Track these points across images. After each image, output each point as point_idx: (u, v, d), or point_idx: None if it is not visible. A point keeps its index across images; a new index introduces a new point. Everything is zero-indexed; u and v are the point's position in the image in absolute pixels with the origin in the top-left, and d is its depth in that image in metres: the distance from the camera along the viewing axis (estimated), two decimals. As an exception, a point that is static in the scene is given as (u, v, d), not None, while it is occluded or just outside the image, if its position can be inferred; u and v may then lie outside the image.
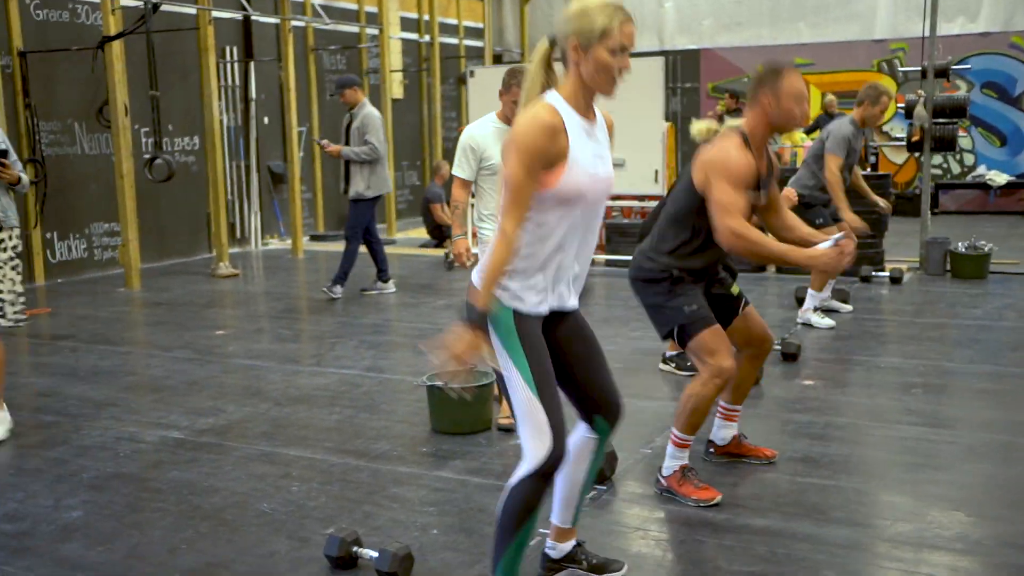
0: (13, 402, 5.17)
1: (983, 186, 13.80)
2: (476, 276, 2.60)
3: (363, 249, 8.19)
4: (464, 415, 4.51)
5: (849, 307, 7.19)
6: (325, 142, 8.36)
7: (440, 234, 11.10)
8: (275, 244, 11.93)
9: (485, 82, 9.77)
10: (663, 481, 3.75)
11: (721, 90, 14.67)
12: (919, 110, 8.61)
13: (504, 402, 4.72)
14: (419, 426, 4.66)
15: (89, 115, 9.47)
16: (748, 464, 4.06)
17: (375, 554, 3.06)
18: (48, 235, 9.31)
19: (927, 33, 8.74)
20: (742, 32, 15.24)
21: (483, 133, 4.60)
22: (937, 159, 14.19)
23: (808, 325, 6.67)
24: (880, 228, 8.66)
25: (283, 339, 6.76)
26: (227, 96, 11.33)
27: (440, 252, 10.54)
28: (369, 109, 7.98)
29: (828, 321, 6.66)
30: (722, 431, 4.12)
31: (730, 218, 3.39)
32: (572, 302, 2.70)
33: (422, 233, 11.97)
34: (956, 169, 14.27)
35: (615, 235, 9.56)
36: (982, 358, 5.72)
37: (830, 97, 13.44)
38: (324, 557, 3.15)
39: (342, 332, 6.88)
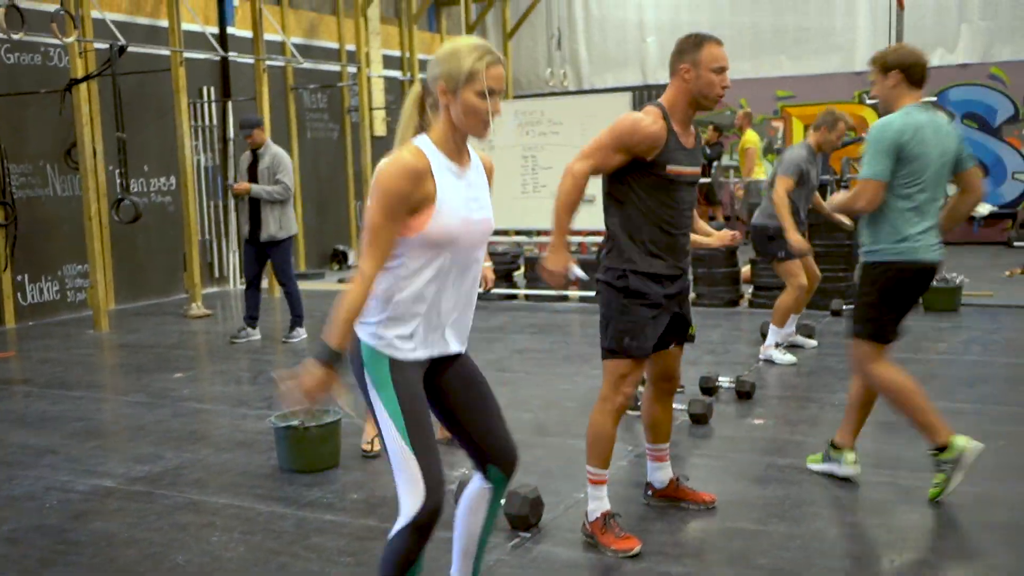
0: (-47, 450, 5.13)
1: (967, 217, 13.74)
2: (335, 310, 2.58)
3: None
4: (317, 453, 4.57)
5: (814, 342, 7.12)
6: (233, 183, 8.03)
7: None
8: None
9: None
10: (587, 527, 3.67)
11: (704, 123, 14.69)
12: (887, 143, 8.57)
13: (369, 426, 4.81)
14: (356, 471, 4.59)
15: (60, 157, 9.50)
16: (685, 509, 3.97)
17: (273, 610, 3.00)
18: (19, 278, 9.30)
19: (894, 66, 8.72)
20: (724, 65, 15.26)
21: None
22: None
23: (770, 361, 6.61)
24: (851, 261, 8.60)
25: (240, 381, 6.71)
26: (204, 136, 11.38)
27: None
28: (277, 148, 7.94)
29: (789, 357, 6.59)
30: (657, 473, 4.04)
31: (580, 159, 3.42)
32: (455, 347, 2.65)
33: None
34: (940, 199, 14.22)
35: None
36: (936, 394, 5.62)
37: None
38: (225, 613, 3.08)
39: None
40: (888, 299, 3.98)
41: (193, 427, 5.49)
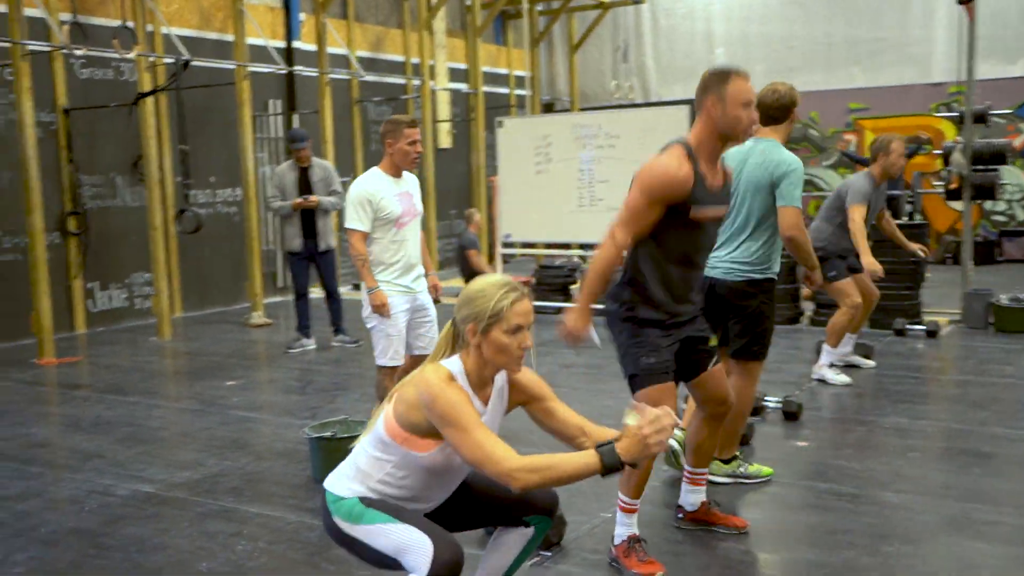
0: (7, 452, 5.30)
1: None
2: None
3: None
4: None
5: (872, 363, 6.90)
6: (307, 199, 7.91)
7: (476, 283, 11.08)
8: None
9: (514, 132, 9.81)
10: (613, 550, 3.61)
11: (773, 136, 14.44)
12: (956, 157, 8.32)
13: None
14: (388, 484, 4.59)
15: (130, 169, 9.79)
16: (715, 533, 3.87)
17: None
18: (89, 285, 9.59)
19: (964, 77, 8.45)
20: (795, 77, 14.93)
21: (377, 186, 4.85)
22: (1001, 205, 13.68)
23: (823, 381, 6.42)
24: (917, 278, 8.33)
25: (289, 390, 6.79)
26: (270, 148, 11.60)
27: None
28: (323, 161, 8.24)
29: (844, 378, 6.40)
30: (690, 496, 3.96)
31: (619, 225, 3.30)
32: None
33: (459, 282, 11.95)
34: (1021, 215, 13.71)
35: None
36: (995, 420, 5.41)
37: (886, 142, 13.07)
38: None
39: (349, 384, 6.88)
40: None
41: (237, 435, 5.56)
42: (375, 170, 4.94)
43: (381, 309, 4.77)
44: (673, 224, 3.35)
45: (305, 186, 7.95)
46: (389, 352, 4.81)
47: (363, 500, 2.62)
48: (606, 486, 4.34)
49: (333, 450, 4.56)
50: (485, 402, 2.64)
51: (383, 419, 2.63)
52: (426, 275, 5.04)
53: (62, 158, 9.26)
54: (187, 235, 9.53)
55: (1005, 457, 4.77)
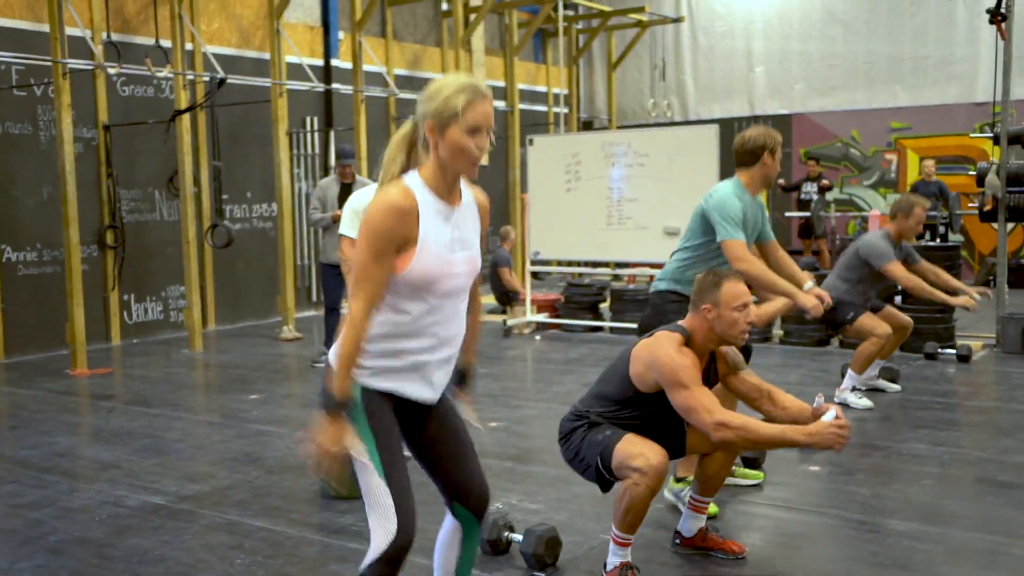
0: (29, 461, 5.42)
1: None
2: (333, 357, 2.58)
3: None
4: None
5: (897, 387, 6.77)
6: (321, 212, 8.01)
7: (507, 299, 11.11)
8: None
9: (544, 150, 9.85)
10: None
11: (812, 156, 14.29)
12: (991, 178, 8.17)
13: None
14: (393, 501, 4.61)
15: (166, 184, 10.01)
16: (713, 558, 3.83)
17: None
18: (125, 297, 9.79)
19: (999, 97, 8.30)
20: (835, 96, 14.86)
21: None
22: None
23: (845, 405, 6.31)
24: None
25: (309, 405, 6.84)
26: (306, 164, 11.76)
27: (501, 318, 10.52)
28: (367, 180, 8.21)
29: (865, 402, 6.29)
30: (689, 522, 3.92)
31: (708, 415, 3.31)
32: (428, 394, 2.63)
33: (489, 298, 11.98)
34: (1070, 237, 13.41)
35: (628, 306, 9.32)
36: (1019, 448, 5.28)
37: (928, 163, 12.88)
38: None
39: (369, 399, 6.91)
40: None
41: (251, 449, 5.63)
42: (375, 186, 5.02)
43: None
44: (653, 410, 3.53)
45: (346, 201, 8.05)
46: None
47: (364, 394, 2.52)
48: (605, 507, 4.33)
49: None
50: (452, 207, 2.56)
51: None
52: None
53: (102, 173, 9.50)
54: (222, 249, 9.69)
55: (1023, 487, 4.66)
